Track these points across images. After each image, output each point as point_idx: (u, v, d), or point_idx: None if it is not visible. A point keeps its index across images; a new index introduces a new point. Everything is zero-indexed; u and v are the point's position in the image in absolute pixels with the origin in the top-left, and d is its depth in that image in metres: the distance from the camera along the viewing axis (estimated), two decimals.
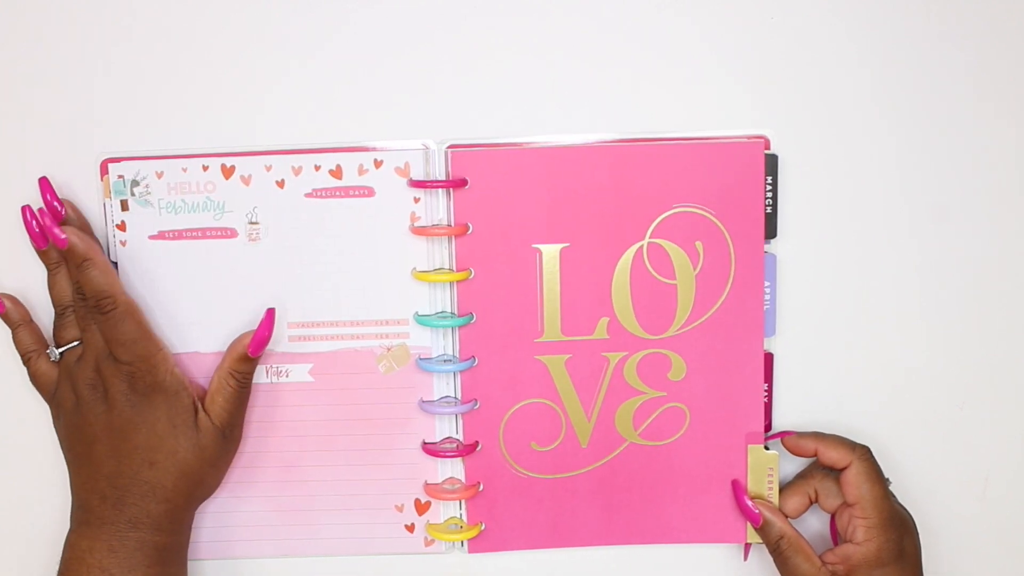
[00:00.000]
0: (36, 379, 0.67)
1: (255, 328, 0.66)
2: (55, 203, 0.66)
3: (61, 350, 0.66)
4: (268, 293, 0.68)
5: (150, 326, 0.66)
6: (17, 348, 0.67)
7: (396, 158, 0.67)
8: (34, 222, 0.64)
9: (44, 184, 0.66)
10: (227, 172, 0.67)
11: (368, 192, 0.67)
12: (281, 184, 0.67)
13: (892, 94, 0.68)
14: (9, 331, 0.68)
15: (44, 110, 0.67)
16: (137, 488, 0.64)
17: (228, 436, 0.67)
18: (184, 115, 0.67)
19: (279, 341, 0.68)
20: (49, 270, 0.66)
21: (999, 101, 0.68)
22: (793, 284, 0.69)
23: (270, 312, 0.67)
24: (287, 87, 0.67)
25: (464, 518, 0.71)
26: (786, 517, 0.69)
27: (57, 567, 0.65)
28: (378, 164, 0.67)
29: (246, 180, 0.67)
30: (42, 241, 0.65)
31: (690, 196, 0.67)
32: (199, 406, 0.66)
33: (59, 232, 0.64)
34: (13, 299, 0.68)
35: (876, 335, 0.70)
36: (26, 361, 0.67)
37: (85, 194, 0.68)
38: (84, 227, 0.67)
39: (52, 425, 0.68)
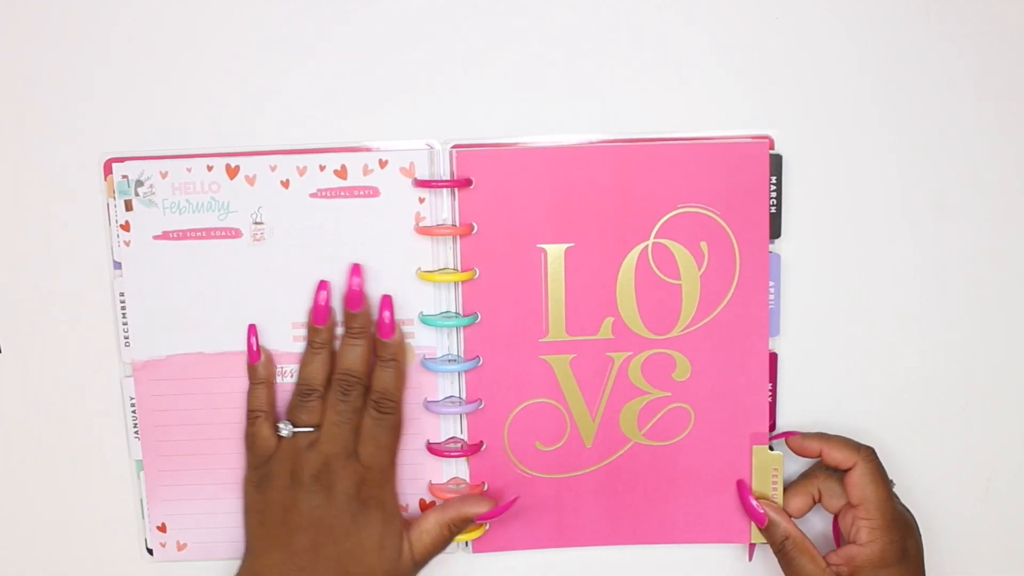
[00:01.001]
0: (253, 440, 0.67)
1: (494, 501, 0.68)
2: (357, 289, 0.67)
3: (297, 431, 0.66)
4: (273, 293, 0.68)
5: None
6: (248, 402, 0.67)
7: (401, 158, 0.67)
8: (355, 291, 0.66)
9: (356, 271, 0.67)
10: (232, 172, 0.67)
11: (373, 192, 0.67)
12: (286, 184, 0.67)
13: (895, 94, 0.68)
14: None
15: (47, 109, 0.67)
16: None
17: (416, 572, 0.67)
18: (188, 115, 0.67)
19: (284, 341, 0.68)
20: (311, 349, 0.67)
21: (1001, 101, 0.68)
22: (797, 284, 0.69)
23: (516, 499, 0.69)
24: (292, 87, 0.67)
25: None
26: (791, 517, 0.69)
27: None
28: (383, 164, 0.67)
29: (251, 180, 0.67)
30: (324, 318, 0.66)
31: (694, 196, 0.67)
32: (405, 535, 0.66)
33: (392, 326, 0.66)
34: (269, 356, 0.68)
35: (879, 335, 0.70)
36: (252, 419, 0.67)
37: (88, 194, 0.68)
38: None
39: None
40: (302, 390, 0.66)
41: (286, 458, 0.66)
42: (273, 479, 0.66)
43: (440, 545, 0.67)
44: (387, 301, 0.66)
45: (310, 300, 0.68)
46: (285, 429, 0.66)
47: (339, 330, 0.68)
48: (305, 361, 0.67)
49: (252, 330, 0.67)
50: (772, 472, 0.70)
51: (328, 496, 0.64)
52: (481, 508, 0.67)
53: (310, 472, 0.65)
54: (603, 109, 0.67)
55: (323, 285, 0.66)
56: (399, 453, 0.67)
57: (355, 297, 0.66)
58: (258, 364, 0.67)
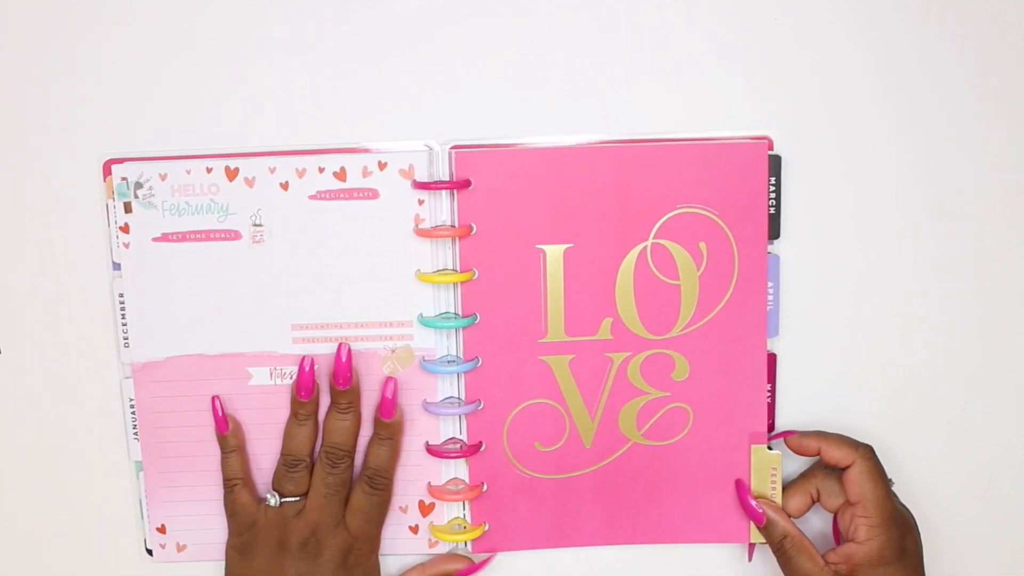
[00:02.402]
0: (234, 508, 0.68)
1: (471, 560, 0.71)
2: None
3: (284, 500, 0.67)
4: (272, 295, 0.68)
5: None
6: (224, 472, 0.68)
7: (400, 160, 0.67)
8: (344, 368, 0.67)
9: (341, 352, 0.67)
10: (231, 174, 0.67)
11: (372, 194, 0.67)
12: (285, 186, 0.67)
13: (895, 95, 0.68)
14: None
15: (47, 110, 0.67)
16: None
17: None
18: (188, 116, 0.67)
19: (283, 343, 0.68)
20: (296, 420, 0.68)
21: (1001, 102, 0.68)
22: (796, 285, 0.69)
23: (488, 560, 0.71)
24: (291, 89, 0.67)
25: (468, 519, 0.71)
26: (789, 517, 0.69)
27: None
28: (382, 166, 0.67)
29: (250, 182, 0.67)
30: (310, 392, 0.67)
31: (693, 197, 0.67)
32: None
33: (394, 407, 0.67)
34: (237, 424, 0.69)
35: (878, 335, 0.70)
36: (229, 488, 0.68)
37: (88, 195, 0.68)
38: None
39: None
40: (288, 460, 0.67)
41: (273, 526, 0.67)
42: (258, 546, 0.67)
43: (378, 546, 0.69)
44: (390, 383, 0.67)
45: (311, 301, 0.68)
46: (273, 499, 0.67)
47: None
48: (290, 433, 0.68)
49: (215, 401, 0.68)
50: (771, 471, 0.70)
51: (315, 563, 0.66)
52: (459, 565, 0.70)
53: (298, 540, 0.66)
54: (602, 110, 0.67)
55: (307, 360, 0.67)
56: (382, 527, 0.69)
57: (343, 374, 0.67)
58: (227, 434, 0.68)
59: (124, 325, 0.68)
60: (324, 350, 0.68)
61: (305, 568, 0.66)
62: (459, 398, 0.69)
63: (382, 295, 0.68)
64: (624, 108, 0.67)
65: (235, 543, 0.68)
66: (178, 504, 0.70)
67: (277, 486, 0.68)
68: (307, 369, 0.67)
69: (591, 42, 0.67)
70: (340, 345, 0.67)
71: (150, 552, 0.72)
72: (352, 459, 0.67)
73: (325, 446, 0.67)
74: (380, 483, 0.67)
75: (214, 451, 0.69)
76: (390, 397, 0.67)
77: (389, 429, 0.67)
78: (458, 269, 0.68)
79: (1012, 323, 0.71)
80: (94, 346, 0.69)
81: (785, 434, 0.69)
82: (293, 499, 0.67)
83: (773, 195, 0.67)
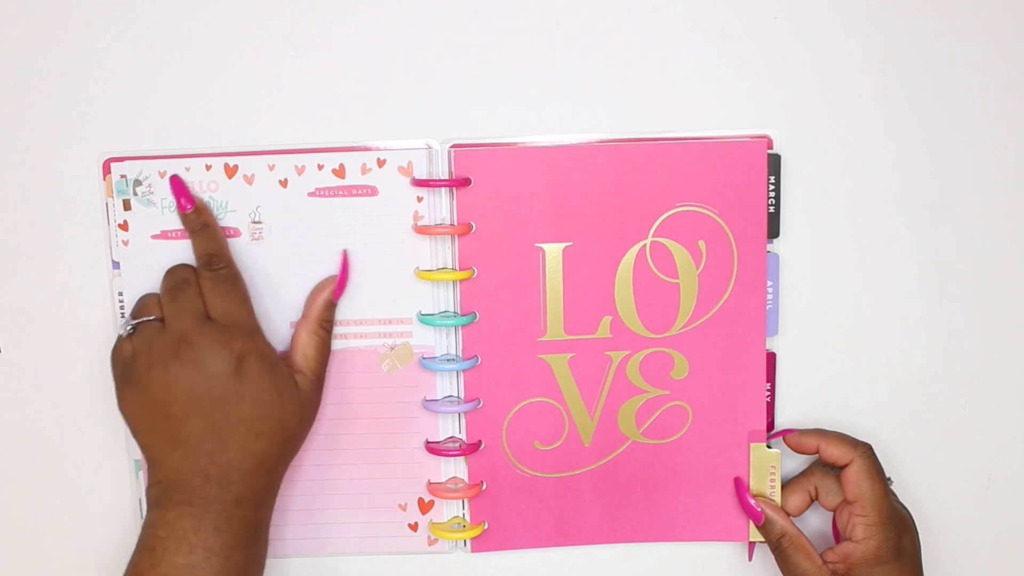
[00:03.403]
0: (112, 355, 0.64)
1: (334, 275, 0.67)
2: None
3: (136, 322, 0.63)
4: (271, 293, 0.68)
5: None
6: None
7: (399, 157, 0.67)
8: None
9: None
10: (230, 171, 0.67)
11: (371, 191, 0.67)
12: (284, 183, 0.67)
13: (895, 94, 0.68)
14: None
15: (47, 109, 0.67)
16: (244, 463, 0.61)
17: (320, 388, 0.66)
18: (187, 114, 0.67)
19: (282, 341, 0.68)
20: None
21: (1001, 101, 0.68)
22: (795, 284, 0.69)
23: (345, 254, 0.67)
24: (290, 86, 0.67)
25: (467, 517, 0.71)
26: (788, 515, 0.69)
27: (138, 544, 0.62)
28: (381, 163, 0.67)
29: (249, 179, 0.67)
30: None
31: (693, 195, 0.67)
32: (291, 369, 0.65)
33: (190, 200, 0.66)
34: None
35: (878, 334, 0.70)
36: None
37: (87, 193, 0.68)
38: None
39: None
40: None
41: (142, 354, 0.62)
42: (139, 380, 0.62)
43: (325, 349, 0.66)
44: (175, 181, 0.66)
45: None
46: (125, 328, 0.63)
47: None
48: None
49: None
50: (770, 470, 0.70)
51: (200, 369, 0.61)
52: (327, 288, 0.67)
53: (170, 353, 0.61)
54: (601, 108, 0.67)
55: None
56: (253, 308, 0.65)
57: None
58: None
59: None
60: None
61: (195, 379, 0.60)
62: (458, 396, 0.69)
63: (381, 293, 0.68)
64: (623, 107, 0.67)
65: (127, 393, 0.63)
66: None
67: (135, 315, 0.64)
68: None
69: (590, 41, 0.67)
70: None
71: None
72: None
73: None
74: (218, 263, 0.64)
75: None
76: (181, 198, 0.66)
77: (191, 219, 0.66)
78: (457, 267, 0.68)
79: (1012, 323, 0.71)
80: (94, 344, 0.69)
81: (784, 432, 0.69)
82: (149, 319, 0.63)
83: (773, 194, 0.67)
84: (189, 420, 0.61)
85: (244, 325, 0.63)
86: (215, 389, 0.61)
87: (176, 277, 0.65)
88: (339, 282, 0.67)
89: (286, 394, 0.63)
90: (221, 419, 0.61)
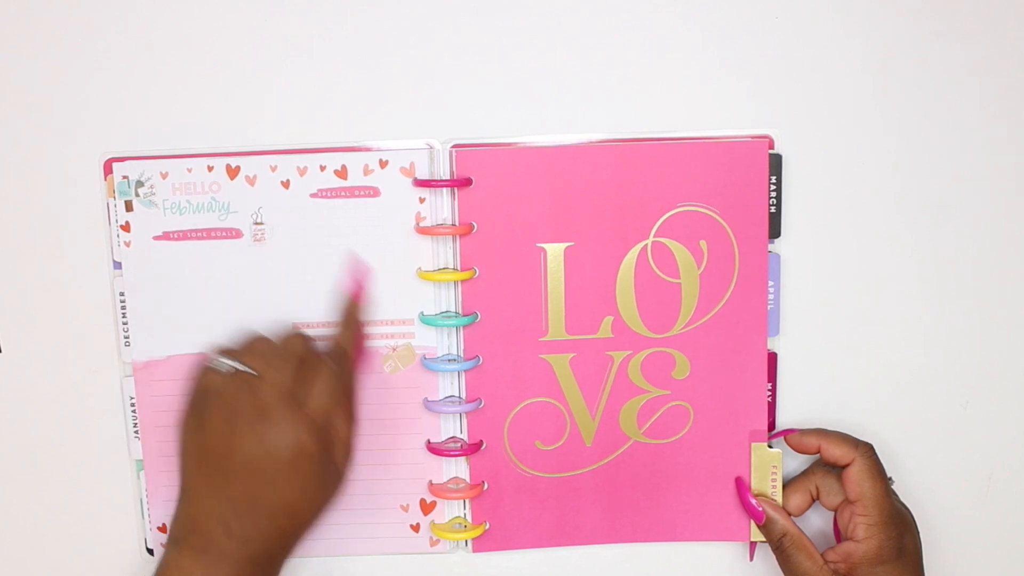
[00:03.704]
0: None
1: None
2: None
3: (238, 368, 0.62)
4: (273, 294, 0.68)
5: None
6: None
7: (401, 158, 0.67)
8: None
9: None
10: (232, 172, 0.67)
11: (373, 192, 0.67)
12: (286, 184, 0.67)
13: (896, 94, 0.68)
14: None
15: (48, 109, 0.67)
16: (269, 532, 0.61)
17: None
18: (189, 115, 0.67)
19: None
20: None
21: (1002, 101, 0.68)
22: (797, 284, 0.69)
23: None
24: (292, 87, 0.67)
25: (469, 517, 0.71)
26: (789, 515, 0.69)
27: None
28: (383, 164, 0.67)
29: (251, 180, 0.67)
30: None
31: (694, 195, 0.67)
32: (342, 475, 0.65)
33: (361, 290, 0.68)
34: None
35: (879, 334, 0.70)
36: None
37: (89, 194, 0.67)
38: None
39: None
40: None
41: (225, 401, 0.61)
42: (209, 422, 0.62)
43: (352, 424, 0.65)
44: (358, 269, 0.67)
45: (312, 300, 0.68)
46: (227, 364, 0.62)
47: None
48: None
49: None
50: (771, 469, 0.70)
51: (264, 445, 0.60)
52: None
53: (247, 418, 0.61)
54: (602, 108, 0.67)
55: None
56: (348, 417, 0.64)
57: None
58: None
59: (125, 324, 0.68)
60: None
61: (254, 451, 0.60)
62: (460, 396, 0.69)
63: (383, 293, 0.68)
64: (625, 107, 0.67)
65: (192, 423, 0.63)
66: None
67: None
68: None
69: (592, 41, 0.67)
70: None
71: (151, 551, 0.72)
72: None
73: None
74: (345, 363, 0.65)
75: None
76: (357, 280, 0.67)
77: (352, 309, 0.67)
78: (459, 267, 0.68)
79: (1013, 323, 0.71)
80: (95, 345, 0.69)
81: (785, 432, 0.69)
82: (247, 369, 0.62)
83: (774, 194, 0.68)
84: (234, 480, 0.61)
85: (326, 427, 0.62)
86: (269, 467, 0.61)
87: (295, 348, 0.64)
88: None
89: (329, 491, 0.63)
90: (262, 493, 0.61)
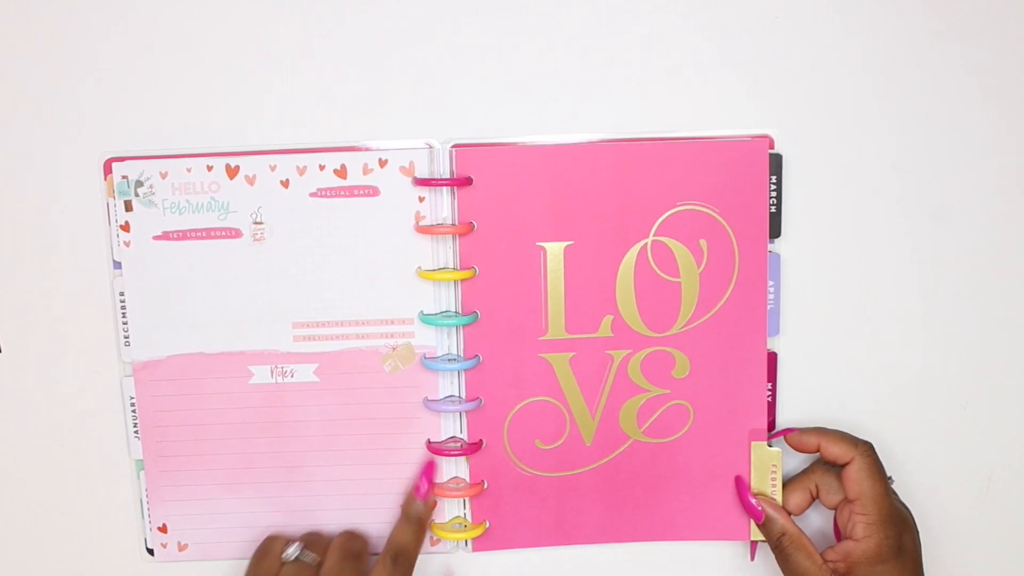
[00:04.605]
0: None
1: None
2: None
3: (302, 553, 0.67)
4: (273, 293, 0.68)
5: None
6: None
7: (401, 157, 0.67)
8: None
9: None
10: (231, 172, 0.67)
11: (373, 191, 0.67)
12: (286, 184, 0.67)
13: (896, 94, 0.68)
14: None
15: (48, 109, 0.67)
16: None
17: None
18: (188, 115, 0.67)
19: (284, 341, 0.68)
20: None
21: (1003, 101, 0.68)
22: (797, 283, 0.69)
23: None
24: (291, 86, 0.67)
25: (469, 517, 0.71)
26: (789, 514, 0.69)
27: None
28: (383, 163, 0.67)
29: (250, 180, 0.67)
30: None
31: (694, 194, 0.67)
32: None
33: (430, 491, 0.69)
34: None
35: (879, 334, 0.71)
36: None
37: (88, 194, 0.67)
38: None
39: None
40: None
41: None
42: None
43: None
44: (431, 467, 0.69)
45: (311, 299, 0.68)
46: (294, 550, 0.67)
47: None
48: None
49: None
50: (771, 468, 0.70)
51: None
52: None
53: None
54: (602, 107, 0.67)
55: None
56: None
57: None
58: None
59: (125, 324, 0.68)
60: (325, 348, 0.68)
61: None
62: (459, 396, 0.69)
63: (383, 292, 0.68)
64: (625, 106, 0.67)
65: None
66: (179, 503, 0.70)
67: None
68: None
69: (592, 40, 0.67)
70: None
71: (151, 552, 0.72)
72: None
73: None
74: (403, 562, 0.67)
75: (215, 450, 0.69)
76: (428, 478, 0.69)
77: (418, 510, 0.68)
78: (458, 267, 0.68)
79: (1012, 323, 0.71)
80: (94, 345, 0.69)
81: (785, 432, 0.69)
82: (312, 558, 0.67)
83: (774, 194, 0.68)
84: None
85: None
86: None
87: (353, 546, 0.68)
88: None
89: None
90: None
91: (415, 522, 0.68)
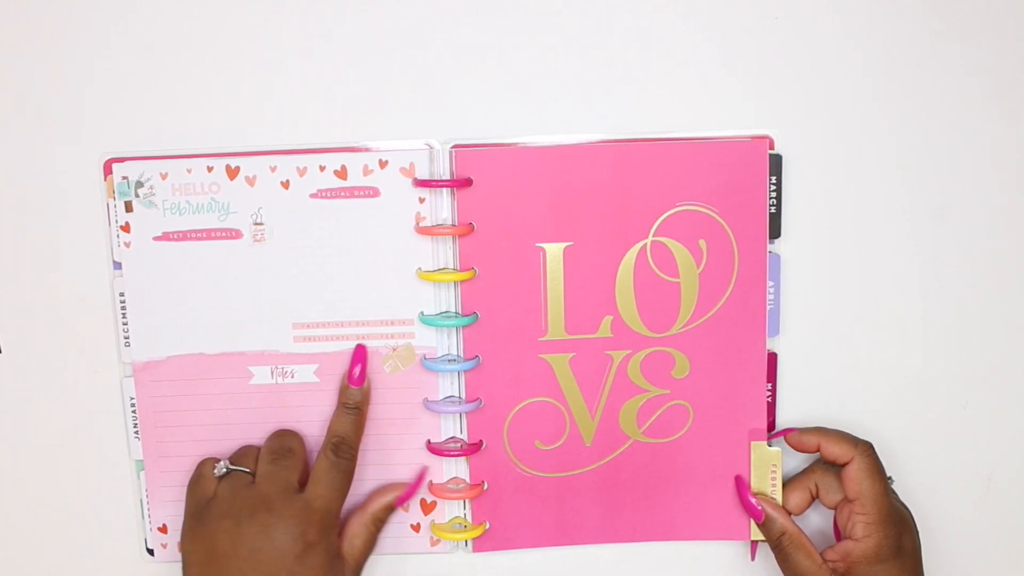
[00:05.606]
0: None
1: (406, 482, 0.69)
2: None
3: (231, 468, 0.66)
4: (273, 294, 0.68)
5: None
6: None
7: (401, 158, 0.67)
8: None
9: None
10: (232, 173, 0.67)
11: (373, 192, 0.67)
12: (286, 185, 0.67)
13: (896, 94, 0.68)
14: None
15: (47, 109, 0.67)
16: None
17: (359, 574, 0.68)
18: (188, 115, 0.67)
19: (284, 342, 0.68)
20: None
21: (1003, 101, 0.68)
22: (797, 284, 0.69)
23: (424, 471, 0.70)
24: (291, 87, 0.67)
25: (469, 517, 0.71)
26: (789, 514, 0.69)
27: None
28: (383, 164, 0.67)
29: (251, 181, 0.67)
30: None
31: (694, 194, 0.67)
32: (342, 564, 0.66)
33: (364, 375, 0.68)
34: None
35: (879, 335, 0.70)
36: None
37: (88, 195, 0.67)
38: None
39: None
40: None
41: (222, 501, 0.64)
42: (209, 524, 0.64)
43: (371, 544, 0.68)
44: (361, 351, 0.68)
45: (312, 300, 0.68)
46: (220, 468, 0.66)
47: None
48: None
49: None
50: (771, 468, 0.70)
51: (269, 537, 0.63)
52: (393, 493, 0.69)
53: (248, 511, 0.63)
54: (602, 108, 0.67)
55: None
56: (342, 505, 0.66)
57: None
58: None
59: (125, 324, 0.68)
60: (325, 349, 0.68)
61: (261, 543, 0.62)
62: (459, 397, 0.69)
63: (383, 293, 0.68)
64: (624, 107, 0.67)
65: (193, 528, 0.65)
66: (180, 504, 0.69)
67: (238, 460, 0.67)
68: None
69: (591, 41, 0.67)
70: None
71: (151, 552, 0.72)
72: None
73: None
74: (345, 452, 0.66)
75: (215, 450, 0.69)
76: (361, 362, 0.67)
77: (355, 397, 0.67)
78: (458, 267, 0.68)
79: (1012, 323, 0.71)
80: (95, 345, 0.69)
81: (785, 432, 0.69)
82: (243, 469, 0.66)
83: (774, 194, 0.68)
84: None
85: (329, 517, 0.65)
86: (274, 562, 0.62)
87: (283, 442, 0.67)
88: (407, 492, 0.69)
89: (334, 573, 0.65)
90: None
91: (352, 409, 0.67)
